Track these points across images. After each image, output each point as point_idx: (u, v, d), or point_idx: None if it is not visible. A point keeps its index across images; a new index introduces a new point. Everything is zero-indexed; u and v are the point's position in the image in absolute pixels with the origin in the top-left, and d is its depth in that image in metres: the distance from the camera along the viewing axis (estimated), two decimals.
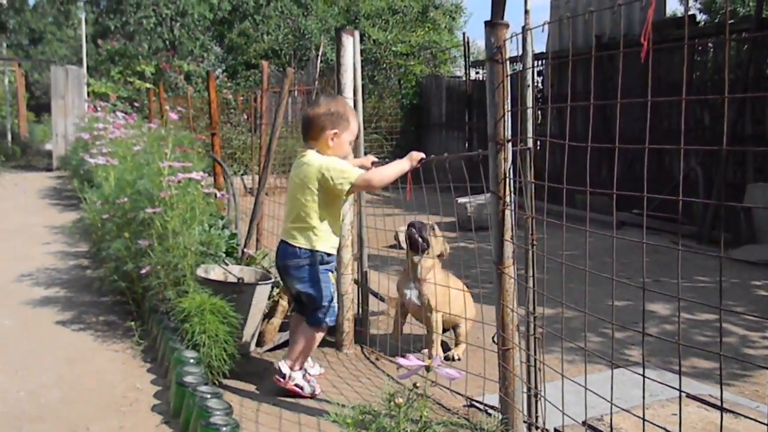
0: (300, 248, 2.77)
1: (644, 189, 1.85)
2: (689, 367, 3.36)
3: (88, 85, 14.59)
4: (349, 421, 1.51)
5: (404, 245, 3.61)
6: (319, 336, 2.93)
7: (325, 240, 2.79)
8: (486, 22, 2.28)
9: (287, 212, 2.87)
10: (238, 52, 17.54)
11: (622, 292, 4.62)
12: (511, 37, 2.23)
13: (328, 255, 2.83)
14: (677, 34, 7.54)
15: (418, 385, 1.56)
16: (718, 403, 2.69)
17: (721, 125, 7.09)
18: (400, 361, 1.51)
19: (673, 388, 1.87)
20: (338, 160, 2.77)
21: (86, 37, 16.29)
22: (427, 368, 1.49)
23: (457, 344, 3.55)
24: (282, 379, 2.86)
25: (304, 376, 2.93)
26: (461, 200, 7.29)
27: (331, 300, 2.86)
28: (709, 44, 7.63)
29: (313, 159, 2.77)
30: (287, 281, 2.91)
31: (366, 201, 3.69)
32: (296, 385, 2.87)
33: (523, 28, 2.29)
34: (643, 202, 1.96)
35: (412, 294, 3.41)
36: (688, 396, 2.76)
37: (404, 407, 1.40)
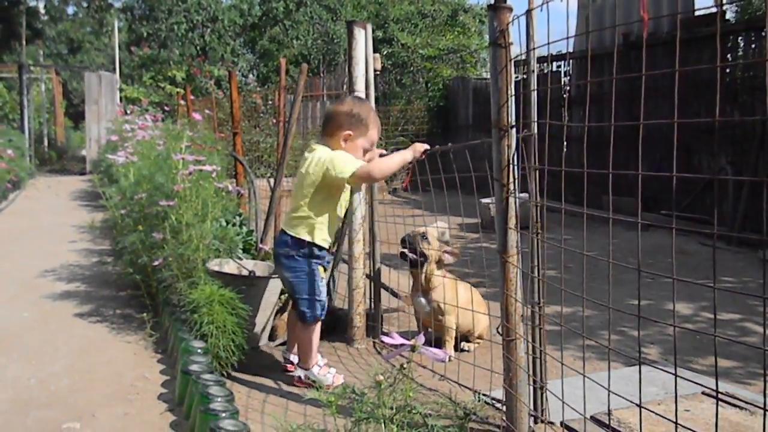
0: (293, 237, 2.76)
1: (674, 174, 1.80)
2: (709, 365, 3.27)
3: (121, 90, 14.86)
4: (332, 399, 1.49)
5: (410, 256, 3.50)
6: (313, 331, 2.84)
7: (318, 232, 2.77)
8: (489, 6, 2.25)
9: (291, 203, 2.88)
10: (269, 59, 17.69)
11: (643, 292, 4.48)
12: (514, 20, 2.20)
13: (320, 249, 2.78)
14: (706, 31, 7.37)
15: (404, 366, 1.53)
16: (734, 400, 2.61)
17: (752, 123, 6.92)
18: (385, 339, 1.48)
19: (690, 381, 1.82)
20: (343, 153, 2.75)
21: (120, 44, 16.63)
22: (413, 348, 1.47)
23: (470, 341, 3.51)
24: (294, 374, 2.92)
25: (320, 369, 2.89)
26: (484, 201, 7.22)
27: (317, 294, 2.79)
28: (739, 41, 7.46)
29: (319, 152, 2.77)
30: (278, 270, 2.92)
31: (391, 201, 3.67)
32: (311, 381, 2.84)
33: (528, 11, 2.26)
34: (672, 198, 1.90)
35: (422, 303, 3.37)
36: (704, 393, 2.68)
37: (385, 385, 1.37)
